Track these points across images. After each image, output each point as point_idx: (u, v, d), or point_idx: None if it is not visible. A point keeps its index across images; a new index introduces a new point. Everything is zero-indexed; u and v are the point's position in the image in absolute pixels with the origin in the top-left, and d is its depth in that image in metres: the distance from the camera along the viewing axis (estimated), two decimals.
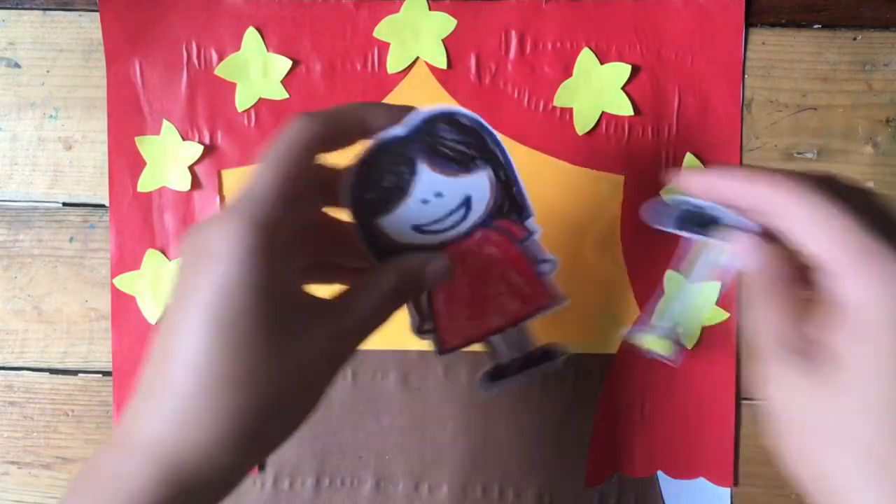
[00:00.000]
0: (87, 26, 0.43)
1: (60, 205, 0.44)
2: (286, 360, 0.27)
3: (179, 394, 0.26)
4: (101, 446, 0.28)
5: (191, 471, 0.26)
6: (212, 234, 0.26)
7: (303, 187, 0.29)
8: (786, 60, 0.42)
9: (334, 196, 0.31)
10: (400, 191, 0.30)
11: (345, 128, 0.30)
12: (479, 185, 0.31)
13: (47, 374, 0.44)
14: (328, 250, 0.33)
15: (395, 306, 0.31)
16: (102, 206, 0.44)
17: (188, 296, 0.26)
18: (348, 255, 0.33)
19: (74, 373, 0.44)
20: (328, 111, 0.30)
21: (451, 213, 0.31)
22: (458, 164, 0.31)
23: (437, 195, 0.30)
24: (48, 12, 0.43)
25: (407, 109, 0.31)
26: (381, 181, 0.30)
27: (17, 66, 0.44)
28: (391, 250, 0.31)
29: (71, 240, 0.44)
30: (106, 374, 0.44)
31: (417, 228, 0.31)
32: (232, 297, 0.26)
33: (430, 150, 0.30)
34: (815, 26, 0.42)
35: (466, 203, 0.31)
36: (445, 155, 0.30)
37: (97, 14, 0.43)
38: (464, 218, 0.31)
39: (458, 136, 0.30)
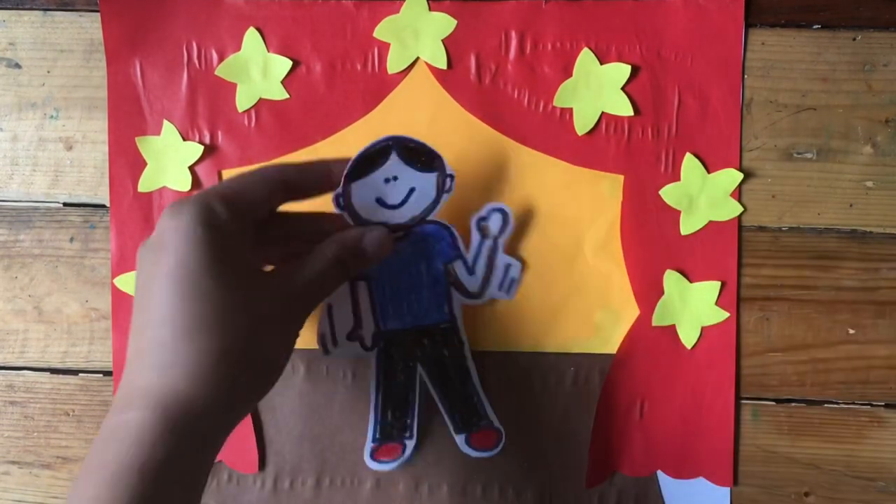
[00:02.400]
0: (88, 26, 0.43)
1: (61, 205, 0.44)
2: (240, 311, 0.32)
3: (157, 347, 0.31)
4: (108, 412, 0.31)
5: (182, 409, 0.30)
6: (166, 226, 0.32)
7: (263, 202, 0.35)
8: (785, 60, 0.42)
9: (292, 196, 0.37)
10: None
11: (309, 179, 0.37)
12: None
13: (48, 373, 0.45)
14: (283, 238, 0.39)
15: (338, 274, 0.37)
16: (103, 206, 0.44)
17: (153, 276, 0.31)
18: (300, 242, 0.39)
19: (75, 372, 0.44)
20: (300, 164, 0.37)
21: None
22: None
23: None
24: (48, 12, 0.43)
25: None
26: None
27: (17, 66, 0.44)
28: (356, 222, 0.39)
29: (71, 240, 0.44)
30: (107, 373, 0.44)
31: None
32: (188, 263, 0.31)
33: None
34: (815, 26, 0.42)
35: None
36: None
37: (97, 14, 0.43)
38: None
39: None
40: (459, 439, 0.42)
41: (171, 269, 0.31)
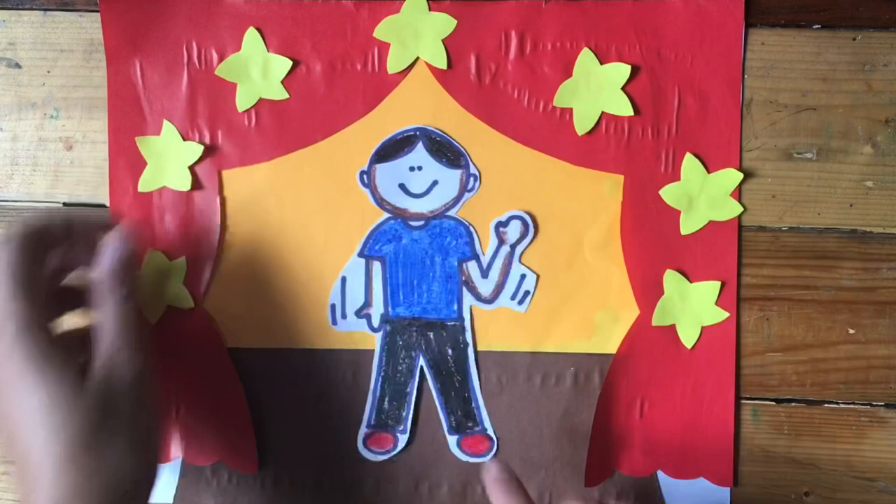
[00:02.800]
0: (88, 26, 0.43)
1: (61, 205, 0.44)
2: (105, 418, 0.34)
3: (42, 483, 0.32)
4: None
5: None
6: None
7: (38, 285, 0.35)
8: (785, 60, 0.42)
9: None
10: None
11: (47, 238, 0.36)
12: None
13: None
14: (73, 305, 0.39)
15: (130, 311, 0.37)
16: (103, 206, 0.44)
17: (5, 415, 0.33)
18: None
19: None
20: (29, 227, 0.36)
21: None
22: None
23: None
24: (48, 12, 0.43)
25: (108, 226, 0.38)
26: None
27: (17, 66, 0.44)
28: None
29: None
30: None
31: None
32: (37, 396, 0.33)
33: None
34: (815, 26, 0.42)
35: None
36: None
37: (97, 14, 0.43)
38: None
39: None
40: (452, 440, 0.43)
41: (23, 405, 0.33)
